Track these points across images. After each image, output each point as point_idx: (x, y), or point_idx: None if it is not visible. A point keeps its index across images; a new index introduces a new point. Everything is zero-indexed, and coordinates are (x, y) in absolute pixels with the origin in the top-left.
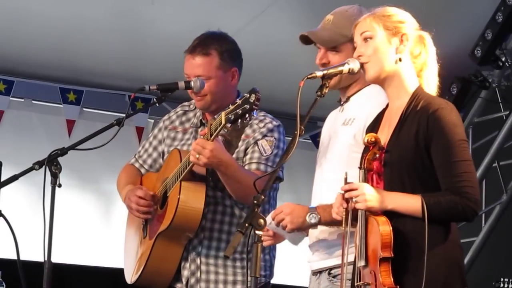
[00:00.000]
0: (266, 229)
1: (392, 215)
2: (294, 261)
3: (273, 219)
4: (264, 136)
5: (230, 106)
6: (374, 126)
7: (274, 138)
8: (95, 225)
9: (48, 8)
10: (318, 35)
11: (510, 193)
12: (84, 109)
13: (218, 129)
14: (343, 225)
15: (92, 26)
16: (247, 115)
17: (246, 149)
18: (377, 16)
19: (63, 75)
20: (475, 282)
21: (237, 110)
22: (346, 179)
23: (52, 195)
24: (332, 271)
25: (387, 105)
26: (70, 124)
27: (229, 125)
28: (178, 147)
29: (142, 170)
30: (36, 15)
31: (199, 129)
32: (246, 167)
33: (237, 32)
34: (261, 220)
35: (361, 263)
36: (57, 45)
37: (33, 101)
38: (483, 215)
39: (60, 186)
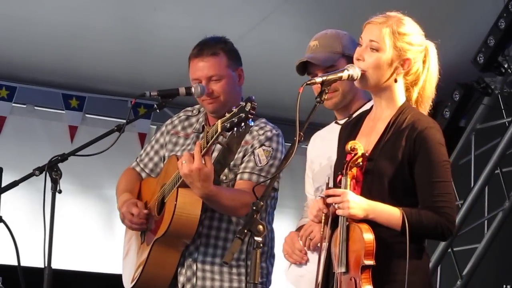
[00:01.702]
0: (305, 251)
1: (368, 223)
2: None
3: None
4: (262, 145)
5: (226, 114)
6: (353, 130)
7: (272, 148)
8: (97, 231)
9: (50, 15)
10: (315, 58)
11: None
12: (87, 115)
13: (214, 137)
14: (322, 230)
15: (95, 32)
16: (242, 123)
17: (244, 156)
18: (392, 30)
19: (65, 81)
20: None
21: (233, 119)
22: (327, 184)
23: (52, 201)
24: None
25: (366, 113)
26: (73, 130)
27: (225, 133)
28: (179, 153)
29: (143, 174)
30: (39, 22)
31: (201, 135)
32: (239, 176)
33: (240, 38)
34: (260, 226)
35: (342, 269)
36: (60, 51)
37: (36, 107)
38: (486, 221)
39: (60, 192)
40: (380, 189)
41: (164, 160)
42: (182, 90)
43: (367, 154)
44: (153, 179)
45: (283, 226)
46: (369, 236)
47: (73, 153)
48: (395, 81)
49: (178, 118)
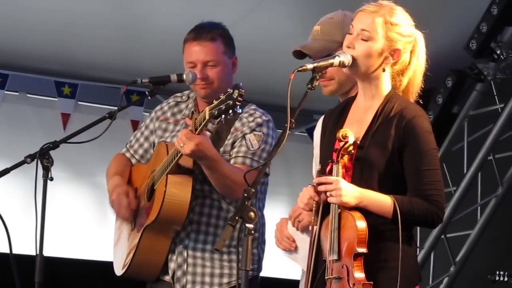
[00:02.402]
0: (292, 238)
1: (359, 211)
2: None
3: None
4: (253, 130)
5: (214, 101)
6: (339, 118)
7: (263, 133)
8: (90, 219)
9: (43, 2)
10: (310, 47)
11: (506, 186)
12: (79, 102)
13: (202, 124)
14: (313, 218)
15: (87, 19)
16: (230, 110)
17: (233, 142)
18: (384, 20)
19: (58, 68)
20: (471, 275)
21: (221, 106)
22: (319, 171)
23: (44, 188)
24: None
25: (350, 100)
26: (65, 117)
27: (214, 120)
28: (169, 139)
29: (133, 160)
30: (32, 9)
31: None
32: (232, 161)
33: (233, 25)
34: (252, 213)
35: (333, 257)
36: (52, 39)
37: (28, 95)
38: (479, 208)
39: (52, 179)
40: (370, 177)
41: (154, 146)
42: (173, 77)
43: (358, 142)
44: (144, 165)
45: (277, 213)
46: (362, 224)
47: (65, 140)
48: (383, 70)
49: (167, 104)
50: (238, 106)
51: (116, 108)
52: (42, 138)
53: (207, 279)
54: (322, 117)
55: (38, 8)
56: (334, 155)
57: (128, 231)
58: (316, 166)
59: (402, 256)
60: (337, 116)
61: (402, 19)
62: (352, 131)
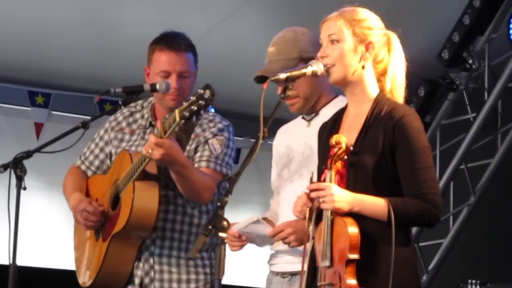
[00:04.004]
0: (238, 234)
1: (352, 216)
2: (247, 263)
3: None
4: (215, 135)
5: (184, 103)
6: (333, 129)
7: (224, 137)
8: (63, 228)
9: (16, 12)
10: (271, 70)
11: (478, 195)
12: (53, 112)
13: (172, 126)
14: (307, 225)
15: (60, 29)
16: (202, 111)
17: (196, 148)
18: (347, 19)
19: (31, 78)
20: (443, 284)
21: (192, 107)
22: (311, 178)
23: (17, 198)
24: None
25: (342, 111)
26: (39, 127)
27: (184, 122)
28: (126, 148)
29: (89, 172)
30: (4, 18)
31: (148, 130)
32: (196, 165)
33: (206, 34)
34: (225, 222)
35: (326, 263)
36: (25, 48)
37: (1, 104)
38: (451, 217)
39: (25, 189)
40: (365, 182)
41: (110, 157)
42: (147, 86)
43: (351, 148)
44: (101, 176)
45: None
46: (353, 229)
47: (38, 149)
48: (363, 67)
49: (122, 115)
50: (210, 106)
51: (89, 117)
52: (15, 148)
53: (175, 285)
54: (282, 128)
55: (10, 17)
56: (328, 162)
57: (92, 242)
58: (274, 175)
59: (398, 260)
60: (331, 127)
61: (366, 14)
62: (346, 138)
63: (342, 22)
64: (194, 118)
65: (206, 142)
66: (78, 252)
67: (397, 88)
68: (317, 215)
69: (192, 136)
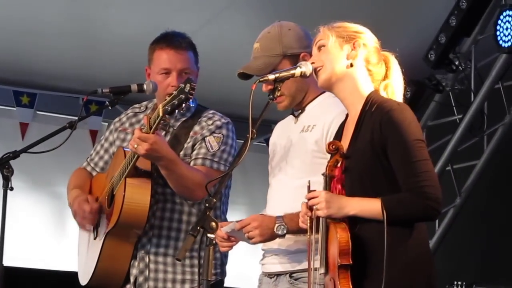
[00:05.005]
0: (226, 236)
1: (356, 221)
2: (244, 264)
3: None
4: (212, 133)
5: (167, 97)
6: (338, 135)
7: (222, 134)
8: (48, 229)
9: (1, 10)
10: (253, 67)
11: (464, 196)
12: (38, 112)
13: (157, 121)
14: (308, 234)
15: (46, 28)
16: (183, 105)
17: (193, 145)
18: (332, 26)
19: (16, 78)
20: None
21: (174, 101)
22: (309, 187)
23: (4, 198)
24: (294, 275)
25: (347, 115)
26: (24, 127)
27: (168, 116)
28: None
29: (94, 173)
30: None
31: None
32: (192, 163)
33: (192, 34)
34: (213, 223)
35: (321, 270)
36: (10, 48)
37: None
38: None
39: (12, 189)
40: (362, 184)
41: None
42: (134, 87)
43: (343, 152)
44: (103, 174)
45: None
46: (343, 235)
47: (25, 150)
48: (351, 65)
49: (126, 115)
50: (191, 100)
51: (76, 118)
52: (0, 148)
53: (169, 285)
54: (277, 124)
55: None
56: (325, 169)
57: (90, 240)
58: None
59: (403, 263)
60: (338, 131)
61: (352, 25)
62: (344, 143)
63: (327, 28)
64: (176, 111)
65: (203, 139)
66: (80, 250)
67: (394, 89)
68: (319, 222)
69: (191, 133)
